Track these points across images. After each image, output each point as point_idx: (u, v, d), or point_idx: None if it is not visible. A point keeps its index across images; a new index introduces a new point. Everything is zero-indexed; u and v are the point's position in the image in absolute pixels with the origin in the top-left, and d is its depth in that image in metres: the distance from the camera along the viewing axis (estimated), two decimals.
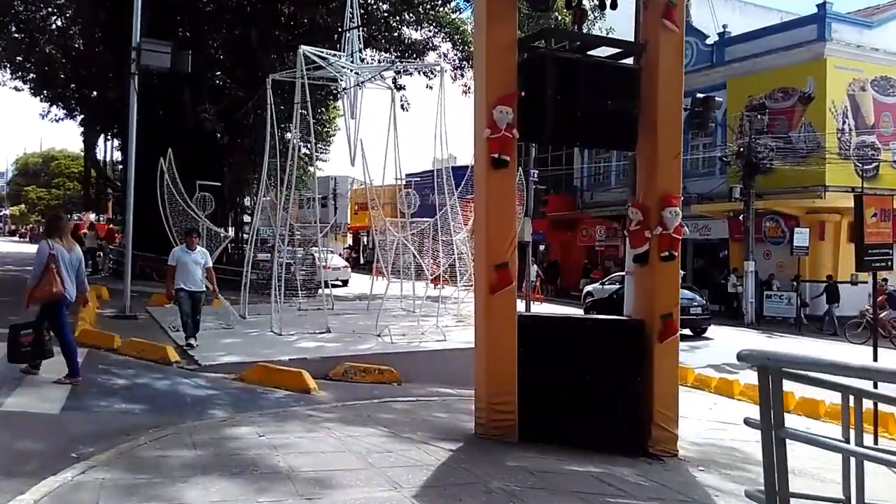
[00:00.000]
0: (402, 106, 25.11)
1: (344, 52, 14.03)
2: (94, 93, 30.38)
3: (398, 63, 19.14)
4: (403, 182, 15.57)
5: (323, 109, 29.66)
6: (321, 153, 38.24)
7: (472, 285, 13.86)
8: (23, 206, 75.65)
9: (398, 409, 7.45)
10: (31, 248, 44.21)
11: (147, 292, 16.48)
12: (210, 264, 10.27)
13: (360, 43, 14.04)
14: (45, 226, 8.66)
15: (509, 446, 6.10)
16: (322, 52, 13.09)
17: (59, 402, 6.18)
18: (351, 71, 13.99)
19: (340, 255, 43.24)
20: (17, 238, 67.64)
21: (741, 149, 23.97)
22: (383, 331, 11.32)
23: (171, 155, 12.24)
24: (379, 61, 21.49)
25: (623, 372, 6.66)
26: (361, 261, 48.85)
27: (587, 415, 6.57)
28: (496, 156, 6.45)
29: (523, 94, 6.50)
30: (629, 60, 7.43)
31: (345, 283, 28.71)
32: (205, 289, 10.15)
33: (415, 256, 12.49)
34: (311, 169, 38.07)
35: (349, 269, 31.51)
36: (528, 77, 6.60)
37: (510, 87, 6.51)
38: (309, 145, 36.78)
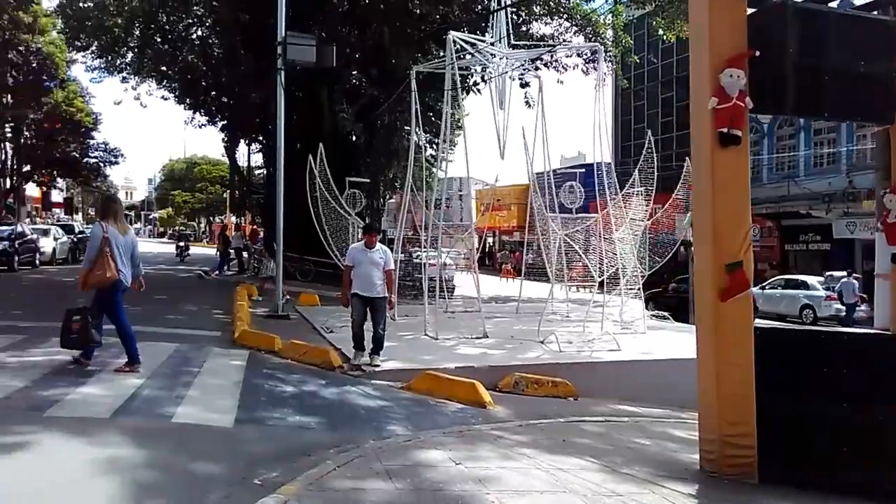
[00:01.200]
0: (526, 102, 24.18)
1: (491, 37, 13.18)
2: (232, 101, 31.51)
3: (551, 46, 18.00)
4: (552, 176, 14.43)
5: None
6: (446, 152, 37.67)
7: (633, 289, 12.70)
8: (170, 209, 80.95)
9: (591, 431, 6.42)
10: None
11: (293, 291, 16.37)
12: (391, 266, 8.57)
13: (508, 26, 13.09)
14: (98, 208, 8.54)
15: (754, 490, 4.94)
16: (470, 38, 12.29)
17: (231, 414, 5.64)
18: (500, 57, 13.07)
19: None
20: (165, 239, 72.25)
21: None
22: (548, 337, 10.30)
23: (322, 151, 11.80)
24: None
25: (889, 399, 5.30)
26: (486, 262, 48.17)
27: (841, 451, 5.27)
28: (725, 130, 5.26)
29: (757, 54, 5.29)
30: None
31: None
32: (384, 294, 8.44)
33: (581, 256, 11.35)
34: (439, 171, 37.73)
35: (455, 267, 30.86)
36: (760, 33, 5.38)
37: (739, 46, 5.31)
38: (435, 146, 36.56)
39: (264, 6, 16.75)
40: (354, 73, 20.16)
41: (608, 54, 23.10)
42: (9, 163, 35.83)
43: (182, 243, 36.60)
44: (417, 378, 7.68)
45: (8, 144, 35.72)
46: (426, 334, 11.13)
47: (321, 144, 12.19)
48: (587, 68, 24.27)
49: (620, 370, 9.09)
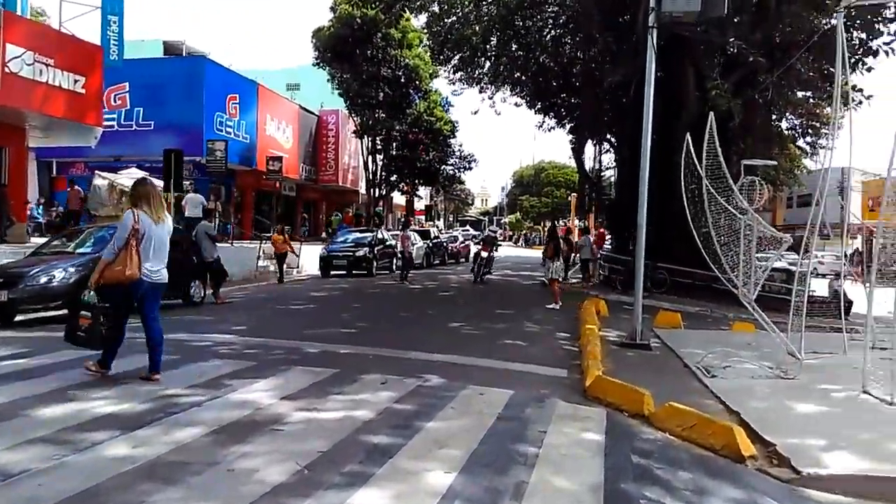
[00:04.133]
0: None
1: None
2: (581, 99, 30.02)
3: None
4: None
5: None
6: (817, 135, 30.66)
7: None
8: (518, 214, 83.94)
9: None
10: (527, 252, 46.88)
11: (649, 307, 13.40)
12: None
13: None
14: (130, 194, 6.63)
15: None
16: None
17: None
18: None
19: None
20: (511, 243, 74.67)
21: None
22: None
23: (712, 123, 8.64)
24: None
25: None
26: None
27: None
28: None
29: None
30: None
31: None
32: None
33: None
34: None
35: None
36: None
37: None
38: (811, 131, 30.14)
39: None
40: (732, 38, 16.37)
41: None
42: (378, 173, 39.09)
43: (485, 254, 21.89)
44: None
45: (378, 156, 38.99)
46: (867, 392, 7.29)
47: (712, 115, 9.05)
48: None
49: None
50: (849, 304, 14.99)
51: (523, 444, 4.92)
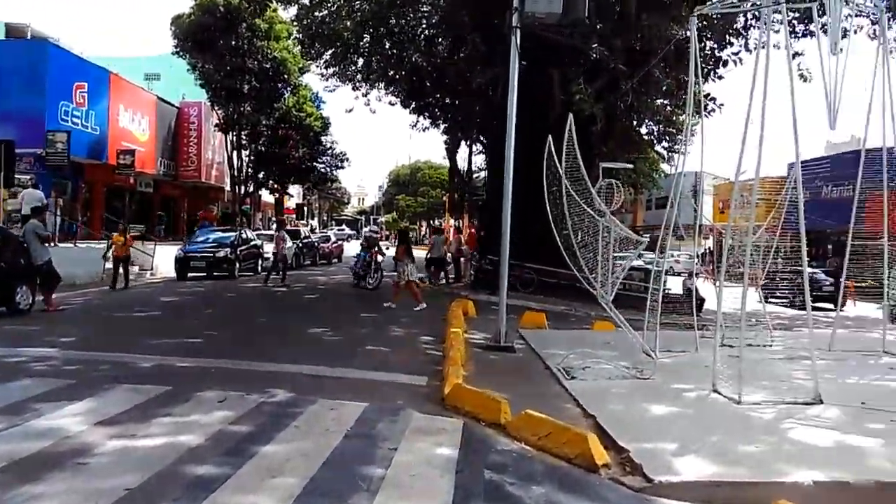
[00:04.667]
0: (801, 76, 19.03)
1: None
2: (455, 100, 30.13)
3: None
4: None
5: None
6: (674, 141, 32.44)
7: None
8: (394, 213, 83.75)
9: None
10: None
11: (512, 306, 13.35)
12: None
13: None
14: None
15: None
16: None
17: None
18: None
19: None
20: (388, 243, 74.21)
21: None
22: None
23: (571, 125, 8.65)
24: None
25: None
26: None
27: None
28: None
29: None
30: None
31: None
32: None
33: None
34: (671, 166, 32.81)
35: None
36: None
37: None
38: (668, 138, 31.92)
39: None
40: (595, 45, 16.79)
41: None
42: (244, 170, 37.39)
43: (381, 258, 20.21)
44: None
45: (244, 152, 37.30)
46: (717, 391, 7.49)
47: (571, 117, 9.11)
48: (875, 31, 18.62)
49: None
50: (701, 301, 15.83)
51: (369, 465, 4.53)
